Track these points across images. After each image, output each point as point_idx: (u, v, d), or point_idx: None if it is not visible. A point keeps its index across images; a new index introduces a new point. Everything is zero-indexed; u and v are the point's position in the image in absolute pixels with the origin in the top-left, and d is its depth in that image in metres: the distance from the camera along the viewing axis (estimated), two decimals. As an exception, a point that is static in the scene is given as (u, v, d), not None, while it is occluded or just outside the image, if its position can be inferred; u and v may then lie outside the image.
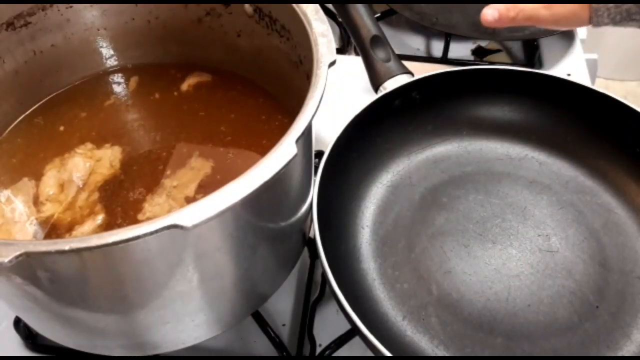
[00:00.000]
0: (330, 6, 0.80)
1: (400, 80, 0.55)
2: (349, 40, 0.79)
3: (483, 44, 0.83)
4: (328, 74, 0.42)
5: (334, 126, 0.51)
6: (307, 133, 0.42)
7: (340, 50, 0.79)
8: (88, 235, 0.33)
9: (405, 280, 0.51)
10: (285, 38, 0.51)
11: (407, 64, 0.57)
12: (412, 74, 0.56)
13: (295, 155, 0.37)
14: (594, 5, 0.49)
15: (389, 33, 0.66)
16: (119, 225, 0.49)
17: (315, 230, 0.46)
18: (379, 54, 0.56)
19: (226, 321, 0.47)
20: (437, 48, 0.81)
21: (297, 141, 0.38)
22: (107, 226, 0.49)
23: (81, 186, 0.52)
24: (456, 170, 0.58)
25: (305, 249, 0.56)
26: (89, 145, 0.55)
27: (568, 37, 0.79)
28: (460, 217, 0.55)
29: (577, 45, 0.79)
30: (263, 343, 0.52)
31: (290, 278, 0.52)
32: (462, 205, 0.56)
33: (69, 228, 0.49)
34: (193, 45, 0.59)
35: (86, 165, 0.53)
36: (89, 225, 0.49)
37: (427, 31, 0.83)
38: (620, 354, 0.47)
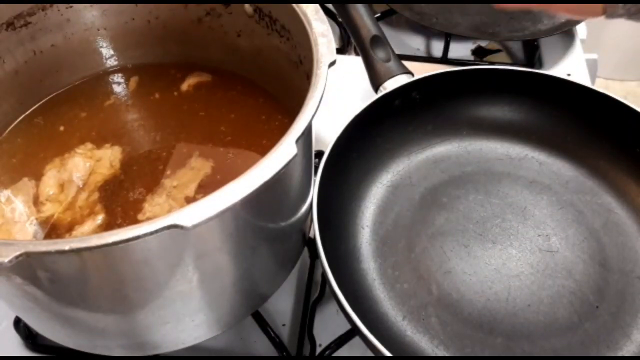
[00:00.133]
0: (330, 6, 0.80)
1: (400, 80, 0.55)
2: (349, 40, 0.79)
3: (483, 44, 0.83)
4: (328, 74, 0.42)
5: (334, 126, 0.51)
6: (307, 133, 0.42)
7: (340, 50, 0.79)
8: (88, 235, 0.33)
9: (405, 280, 0.51)
10: (285, 38, 0.51)
11: (407, 64, 0.57)
12: (412, 74, 0.56)
13: (295, 155, 0.37)
14: None
15: (389, 33, 0.66)
16: (119, 225, 0.49)
17: (315, 230, 0.46)
18: (379, 54, 0.56)
19: (226, 321, 0.47)
20: (437, 48, 0.81)
21: (297, 141, 0.38)
22: (107, 226, 0.49)
23: (81, 186, 0.52)
24: (456, 170, 0.58)
25: (305, 249, 0.56)
26: (89, 145, 0.55)
27: (568, 37, 0.79)
28: (460, 217, 0.55)
29: (577, 45, 0.79)
30: (263, 343, 0.52)
31: (290, 278, 0.52)
32: (462, 205, 0.56)
33: (69, 228, 0.49)
34: (193, 45, 0.59)
35: (86, 165, 0.53)
36: (89, 225, 0.49)
37: (427, 31, 0.83)
38: (620, 354, 0.48)
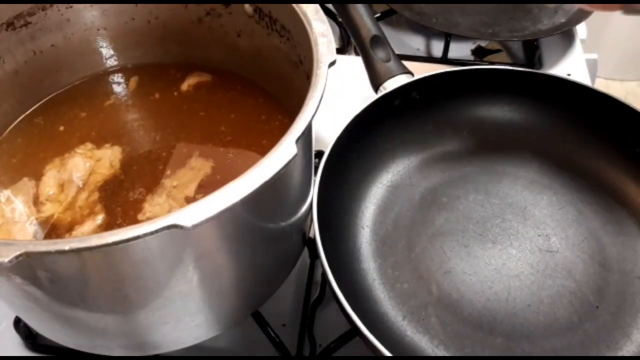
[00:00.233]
0: (330, 6, 0.80)
1: (400, 80, 0.55)
2: (349, 40, 0.79)
3: (483, 44, 0.83)
4: (328, 74, 0.42)
5: (334, 126, 0.51)
6: (307, 133, 0.42)
7: (340, 50, 0.79)
8: (88, 235, 0.33)
9: (405, 280, 0.51)
10: (285, 38, 0.51)
11: (407, 64, 0.57)
12: (412, 74, 0.56)
13: (295, 155, 0.37)
14: None
15: (389, 33, 0.66)
16: (119, 225, 0.49)
17: (315, 230, 0.46)
18: (379, 54, 0.56)
19: (226, 321, 0.47)
20: (437, 48, 0.81)
21: (297, 141, 0.38)
22: (107, 226, 0.49)
23: (81, 186, 0.52)
24: (456, 170, 0.58)
25: (305, 249, 0.55)
26: (89, 145, 0.55)
27: (568, 37, 0.80)
28: (460, 217, 0.55)
29: (577, 45, 0.79)
30: (263, 343, 0.52)
31: (290, 278, 0.52)
32: (462, 205, 0.56)
33: (69, 228, 0.49)
34: (193, 45, 0.59)
35: (86, 165, 0.53)
36: (89, 225, 0.49)
37: (427, 31, 0.83)
38: (620, 354, 0.48)
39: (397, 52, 0.58)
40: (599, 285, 0.51)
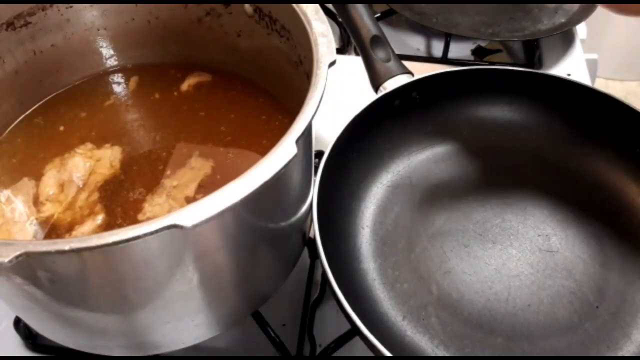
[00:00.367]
0: (330, 6, 0.80)
1: (400, 80, 0.55)
2: (349, 40, 0.79)
3: (483, 44, 0.83)
4: (328, 74, 0.42)
5: (334, 126, 0.51)
6: (307, 133, 0.42)
7: (340, 50, 0.79)
8: (88, 235, 0.33)
9: (405, 280, 0.51)
10: (285, 38, 0.51)
11: (407, 64, 0.57)
12: (412, 74, 0.56)
13: (295, 155, 0.37)
14: None
15: (389, 33, 0.66)
16: (119, 225, 0.49)
17: (315, 230, 0.46)
18: (379, 54, 0.56)
19: (226, 321, 0.47)
20: (437, 48, 0.81)
21: (297, 141, 0.38)
22: (107, 226, 0.49)
23: (81, 186, 0.52)
24: (456, 170, 0.58)
25: (305, 249, 0.56)
26: (89, 145, 0.55)
27: (568, 37, 0.80)
28: (460, 217, 0.55)
29: (577, 45, 0.79)
30: (263, 343, 0.52)
31: (290, 278, 0.52)
32: (462, 205, 0.56)
33: (69, 228, 0.49)
34: (193, 45, 0.59)
35: (86, 165, 0.53)
36: (89, 225, 0.49)
37: (427, 31, 0.83)
38: (620, 354, 0.47)
39: (397, 52, 0.58)
40: (599, 285, 0.51)
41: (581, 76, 0.75)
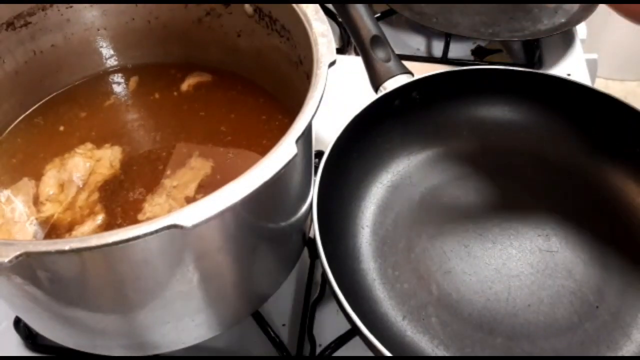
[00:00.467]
0: (330, 6, 0.80)
1: (400, 80, 0.55)
2: (349, 40, 0.79)
3: (483, 44, 0.83)
4: (328, 74, 0.42)
5: (334, 126, 0.51)
6: (307, 133, 0.42)
7: (340, 50, 0.79)
8: (88, 235, 0.33)
9: (405, 280, 0.51)
10: (285, 38, 0.51)
11: (407, 64, 0.57)
12: (412, 74, 0.56)
13: (295, 155, 0.37)
14: None
15: (389, 33, 0.66)
16: (119, 225, 0.49)
17: (315, 230, 0.46)
18: (379, 54, 0.56)
19: (226, 321, 0.47)
20: (437, 48, 0.81)
21: (297, 141, 0.38)
22: (107, 226, 0.49)
23: (81, 186, 0.52)
24: (456, 170, 0.58)
25: (305, 249, 0.55)
26: (89, 145, 0.55)
27: (568, 37, 0.80)
28: (460, 217, 0.55)
29: (577, 45, 0.79)
30: (263, 343, 0.52)
31: (290, 278, 0.52)
32: (462, 205, 0.56)
33: (69, 228, 0.49)
34: (193, 45, 0.59)
35: (86, 165, 0.53)
36: (89, 225, 0.49)
37: (427, 31, 0.83)
38: (620, 354, 0.48)
39: (397, 52, 0.58)
40: (599, 285, 0.51)
41: (581, 76, 0.75)
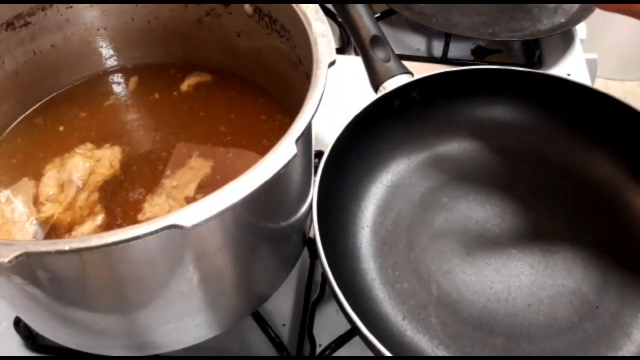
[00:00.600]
0: (330, 6, 0.80)
1: (400, 80, 0.55)
2: (349, 40, 0.79)
3: (483, 44, 0.83)
4: (328, 74, 0.42)
5: (334, 126, 0.51)
6: (307, 133, 0.42)
7: (340, 50, 0.79)
8: (88, 235, 0.33)
9: (405, 280, 0.51)
10: (285, 38, 0.51)
11: (407, 64, 0.57)
12: (412, 74, 0.56)
13: (295, 155, 0.37)
14: None
15: (389, 33, 0.66)
16: (119, 226, 0.49)
17: (315, 230, 0.46)
18: (379, 54, 0.56)
19: (226, 321, 0.47)
20: (437, 48, 0.81)
21: (297, 141, 0.38)
22: (107, 226, 0.49)
23: (81, 186, 0.52)
24: (456, 170, 0.58)
25: (305, 249, 0.56)
26: (89, 145, 0.55)
27: (568, 37, 0.80)
28: (460, 217, 0.55)
29: (577, 45, 0.79)
30: (263, 343, 0.52)
31: (290, 278, 0.52)
32: (462, 205, 0.56)
33: (69, 228, 0.49)
34: (193, 45, 0.59)
35: (86, 165, 0.53)
36: (89, 225, 0.49)
37: (427, 31, 0.83)
38: (620, 354, 0.48)
39: (397, 52, 0.58)
40: (599, 285, 0.51)
41: (581, 76, 0.75)
